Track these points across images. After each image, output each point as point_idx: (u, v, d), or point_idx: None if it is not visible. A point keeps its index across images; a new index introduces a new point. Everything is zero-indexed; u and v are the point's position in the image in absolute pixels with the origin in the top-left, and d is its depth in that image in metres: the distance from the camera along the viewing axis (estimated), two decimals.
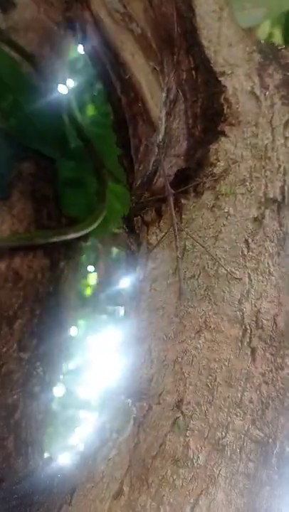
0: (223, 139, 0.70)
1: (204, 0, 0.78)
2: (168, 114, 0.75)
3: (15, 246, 1.10)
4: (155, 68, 0.83)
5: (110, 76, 0.89)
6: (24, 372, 0.89)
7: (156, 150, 0.74)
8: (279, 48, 0.81)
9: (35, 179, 1.36)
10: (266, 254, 0.65)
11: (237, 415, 0.57)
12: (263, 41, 0.83)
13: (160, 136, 0.75)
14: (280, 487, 0.57)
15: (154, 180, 0.73)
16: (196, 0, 0.77)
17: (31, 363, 0.92)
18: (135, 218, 0.71)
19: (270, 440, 0.57)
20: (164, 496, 0.52)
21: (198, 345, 0.60)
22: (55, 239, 1.17)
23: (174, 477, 0.54)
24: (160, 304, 0.65)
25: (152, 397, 0.59)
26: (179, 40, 0.76)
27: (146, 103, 0.85)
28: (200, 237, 0.66)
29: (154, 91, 0.84)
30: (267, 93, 0.73)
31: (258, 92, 0.73)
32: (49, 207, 1.30)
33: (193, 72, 0.75)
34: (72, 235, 1.21)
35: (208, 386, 0.58)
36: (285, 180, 0.69)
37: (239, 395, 0.57)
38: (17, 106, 1.45)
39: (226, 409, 0.57)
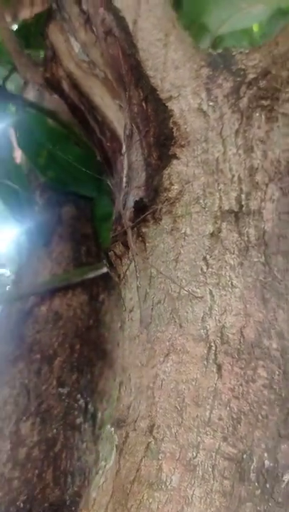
0: (174, 161, 0.72)
1: (147, 32, 0.81)
2: (127, 148, 0.78)
3: (53, 288, 1.19)
4: (121, 106, 0.88)
5: (89, 121, 0.95)
6: (64, 406, 0.96)
7: (122, 186, 0.78)
8: (233, 54, 0.81)
9: (75, 221, 1.46)
10: (227, 267, 0.65)
11: (207, 434, 0.57)
12: (218, 51, 0.83)
13: (124, 172, 0.78)
14: (263, 502, 0.56)
15: (124, 212, 0.76)
16: (138, 35, 0.81)
17: (71, 396, 0.98)
18: (109, 253, 0.75)
19: (245, 456, 0.56)
20: None
21: (167, 369, 0.62)
22: (91, 275, 1.24)
23: (150, 501, 0.56)
24: (136, 333, 0.68)
25: (129, 424, 0.62)
26: (127, 76, 0.80)
27: (120, 139, 0.89)
28: (163, 262, 0.68)
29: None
30: (215, 105, 0.74)
31: (205, 107, 0.74)
32: (88, 244, 1.39)
33: (143, 103, 0.78)
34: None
35: (177, 408, 0.59)
36: (241, 189, 0.68)
37: (208, 414, 0.58)
38: (52, 158, 1.58)
39: (195, 429, 0.58)
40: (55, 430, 0.91)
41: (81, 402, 0.99)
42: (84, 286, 1.23)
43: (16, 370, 1.02)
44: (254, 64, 0.78)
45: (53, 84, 0.99)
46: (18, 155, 1.68)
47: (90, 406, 1.01)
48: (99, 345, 1.14)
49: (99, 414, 1.02)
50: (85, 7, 0.87)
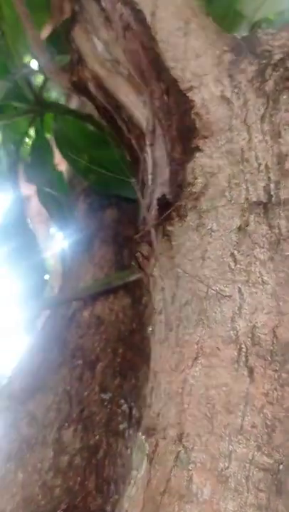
0: (197, 154, 0.68)
1: (166, 22, 0.78)
2: (151, 145, 0.76)
3: (95, 293, 1.18)
4: (145, 102, 0.85)
5: (117, 121, 0.93)
6: (106, 412, 0.94)
7: (148, 184, 0.75)
8: (259, 35, 0.76)
9: (117, 224, 1.45)
10: (257, 262, 0.60)
11: (239, 443, 0.53)
12: (244, 34, 0.79)
13: (149, 169, 0.76)
14: None
15: (149, 211, 0.74)
16: (157, 26, 0.78)
17: (114, 402, 0.97)
18: (136, 254, 0.73)
19: (282, 466, 0.52)
20: None
21: (196, 373, 0.58)
22: (133, 277, 1.22)
23: None
24: (165, 335, 0.65)
25: (159, 432, 0.59)
26: (148, 71, 0.77)
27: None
28: (189, 260, 0.65)
29: None
30: (239, 92, 0.69)
31: (228, 94, 0.70)
32: (130, 246, 1.37)
33: (165, 96, 0.75)
34: None
35: (207, 415, 0.56)
36: (269, 178, 0.64)
37: (240, 421, 0.54)
38: (93, 162, 1.58)
39: (226, 438, 0.54)
40: (97, 437, 0.89)
41: (124, 407, 0.97)
42: (126, 289, 1.21)
43: (59, 376, 1.02)
44: (280, 43, 0.73)
45: (80, 87, 0.98)
46: (61, 162, 1.70)
47: (134, 411, 0.98)
48: (143, 349, 1.12)
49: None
50: (103, 4, 0.85)
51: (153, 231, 0.66)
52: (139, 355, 1.10)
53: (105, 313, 1.14)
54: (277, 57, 0.71)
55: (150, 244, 0.70)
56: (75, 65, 0.98)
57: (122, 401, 0.98)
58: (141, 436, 0.62)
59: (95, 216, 1.48)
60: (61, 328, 1.15)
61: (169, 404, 0.60)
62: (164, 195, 0.67)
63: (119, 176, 1.60)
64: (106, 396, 0.96)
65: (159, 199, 0.68)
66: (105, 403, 0.96)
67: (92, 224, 1.45)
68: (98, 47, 0.91)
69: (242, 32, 1.60)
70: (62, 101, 1.95)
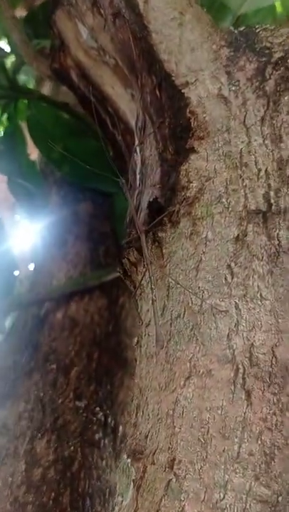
0: (192, 156, 0.63)
1: (160, 12, 0.73)
2: (140, 142, 0.70)
3: (69, 293, 1.12)
4: (133, 95, 0.80)
5: (100, 113, 0.88)
6: (81, 420, 0.90)
7: (136, 184, 0.70)
8: (257, 30, 0.72)
9: (92, 219, 1.39)
10: (255, 276, 0.56)
11: (236, 472, 0.49)
12: (240, 28, 0.74)
13: (138, 168, 0.71)
14: None
15: (138, 215, 0.69)
16: (150, 15, 0.72)
17: (89, 409, 0.92)
18: (123, 260, 0.68)
19: (281, 498, 0.48)
20: None
21: (188, 394, 0.54)
22: (109, 277, 1.17)
23: None
24: (153, 350, 0.61)
25: (147, 456, 0.55)
26: (139, 62, 0.72)
27: (134, 132, 0.81)
28: (182, 270, 0.60)
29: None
30: (237, 90, 0.65)
31: (226, 92, 0.65)
32: (107, 243, 1.31)
33: (157, 91, 0.70)
34: None
35: (201, 440, 0.52)
36: (269, 185, 0.60)
37: (236, 448, 0.50)
38: (68, 152, 1.50)
39: (222, 466, 0.50)
40: (72, 448, 0.85)
41: (100, 415, 0.92)
42: (102, 289, 1.16)
43: (31, 382, 0.96)
44: (281, 41, 0.69)
45: (61, 75, 0.92)
46: (33, 151, 1.62)
47: (109, 419, 0.94)
48: (119, 352, 1.07)
49: (120, 428, 0.95)
50: None
51: (143, 237, 0.61)
52: (115, 360, 1.06)
53: (80, 315, 1.09)
54: (277, 55, 0.67)
55: (139, 250, 0.65)
56: (57, 51, 0.92)
57: (98, 409, 0.93)
58: (126, 459, 0.57)
59: (69, 210, 1.42)
60: (33, 330, 1.09)
61: (159, 426, 0.55)
62: (156, 199, 0.62)
63: (95, 168, 1.54)
64: (81, 404, 0.91)
65: (150, 203, 0.63)
66: (80, 411, 0.91)
67: (66, 218, 1.38)
68: (83, 33, 0.85)
69: (225, 25, 1.56)
70: (31, 85, 1.87)
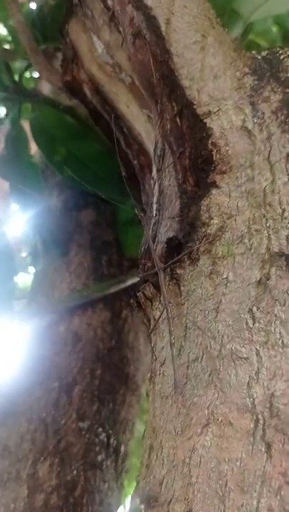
0: (214, 191, 0.62)
1: (182, 34, 0.70)
2: (158, 170, 0.68)
3: (73, 306, 1.10)
4: (150, 116, 0.77)
5: (113, 131, 0.85)
6: (84, 442, 0.89)
7: (152, 213, 0.68)
8: (281, 56, 0.70)
9: (94, 226, 1.37)
10: (277, 322, 0.55)
11: None
12: (263, 53, 0.72)
13: (155, 197, 0.69)
14: None
15: (155, 247, 0.67)
16: (172, 37, 0.70)
17: (92, 430, 0.91)
18: (138, 294, 0.66)
19: None
20: None
21: (206, 443, 0.53)
22: (113, 289, 1.15)
23: None
24: (169, 391, 0.59)
25: (162, 505, 0.53)
26: (158, 87, 0.70)
27: (149, 153, 0.79)
28: (200, 310, 0.59)
29: (153, 140, 0.78)
30: (262, 123, 0.63)
31: (250, 125, 0.63)
32: (110, 253, 1.29)
33: (178, 119, 0.67)
34: (131, 280, 1.19)
35: (219, 493, 0.51)
36: None
37: (255, 503, 0.49)
38: (70, 156, 1.47)
39: None
40: (75, 472, 0.84)
41: (102, 436, 0.91)
42: (105, 301, 1.14)
43: (33, 398, 0.95)
44: None
45: (73, 88, 0.89)
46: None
47: (112, 440, 0.93)
48: (122, 368, 1.06)
49: (122, 448, 0.94)
50: (110, 3, 0.76)
51: (162, 275, 0.59)
52: (118, 376, 1.05)
53: (83, 329, 1.07)
54: None
55: (155, 285, 0.63)
56: (69, 63, 0.89)
57: (100, 429, 0.92)
58: (139, 505, 0.56)
59: (71, 216, 1.39)
60: (35, 342, 1.07)
61: (174, 473, 0.54)
62: (175, 237, 0.60)
63: (98, 172, 1.51)
64: (84, 424, 0.90)
65: (169, 239, 0.61)
66: (83, 432, 0.90)
67: (68, 225, 1.36)
68: (98, 47, 0.82)
69: (236, 31, 1.53)
70: (30, 85, 1.83)
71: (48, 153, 1.49)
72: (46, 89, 1.69)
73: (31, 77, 1.82)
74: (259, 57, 0.71)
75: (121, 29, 0.75)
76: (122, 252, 1.32)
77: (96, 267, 1.23)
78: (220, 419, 0.53)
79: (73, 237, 1.30)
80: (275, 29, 1.69)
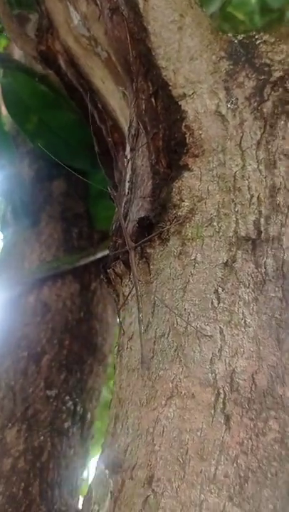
0: (186, 173, 0.63)
1: (160, 12, 0.70)
2: (132, 149, 0.69)
3: (42, 277, 1.11)
4: (125, 93, 0.78)
5: (88, 105, 0.85)
6: (52, 410, 0.92)
7: (124, 191, 0.69)
8: (257, 41, 0.71)
9: (65, 198, 1.36)
10: (240, 302, 0.58)
11: (211, 492, 0.53)
12: (240, 37, 0.73)
13: (128, 176, 0.70)
14: None
15: (126, 225, 0.68)
16: (150, 15, 0.69)
17: (60, 398, 0.94)
18: (108, 270, 0.68)
19: None
20: None
21: (169, 414, 0.56)
22: (82, 262, 1.16)
23: None
24: (135, 365, 0.62)
25: (126, 471, 0.57)
26: (135, 65, 0.70)
27: (123, 131, 0.80)
28: (168, 289, 0.61)
29: (128, 117, 0.78)
30: (235, 109, 0.65)
31: (223, 110, 0.65)
32: (80, 225, 1.30)
33: (153, 99, 0.68)
34: (101, 253, 1.20)
35: (179, 460, 0.54)
36: (260, 212, 0.61)
37: (213, 469, 0.53)
38: (43, 125, 1.45)
39: (198, 486, 0.53)
40: (42, 437, 0.87)
41: (69, 404, 0.95)
42: (75, 273, 1.15)
43: (1, 368, 0.97)
44: (281, 59, 0.68)
45: (48, 59, 0.87)
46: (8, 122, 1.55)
47: (78, 407, 0.96)
48: (89, 339, 1.08)
49: (88, 415, 0.98)
50: None
51: (132, 254, 0.61)
52: (86, 347, 1.07)
53: (52, 300, 1.09)
54: (277, 74, 0.66)
55: (125, 263, 0.65)
56: (44, 33, 0.87)
57: (67, 397, 0.95)
58: (104, 470, 0.60)
59: (42, 186, 1.38)
60: (5, 313, 1.08)
61: (138, 441, 0.58)
62: (147, 217, 0.62)
63: (71, 142, 1.50)
64: (51, 393, 0.93)
65: (141, 219, 0.63)
66: (50, 400, 0.93)
67: (39, 195, 1.35)
68: (74, 18, 0.81)
69: (215, 4, 1.52)
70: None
71: (19, 121, 1.45)
72: (18, 53, 1.64)
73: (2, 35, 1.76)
74: (236, 41, 0.72)
75: (98, 2, 0.74)
76: (92, 224, 1.32)
77: (66, 238, 1.24)
78: (183, 392, 0.57)
79: (44, 208, 1.30)
80: (253, 1, 1.68)
